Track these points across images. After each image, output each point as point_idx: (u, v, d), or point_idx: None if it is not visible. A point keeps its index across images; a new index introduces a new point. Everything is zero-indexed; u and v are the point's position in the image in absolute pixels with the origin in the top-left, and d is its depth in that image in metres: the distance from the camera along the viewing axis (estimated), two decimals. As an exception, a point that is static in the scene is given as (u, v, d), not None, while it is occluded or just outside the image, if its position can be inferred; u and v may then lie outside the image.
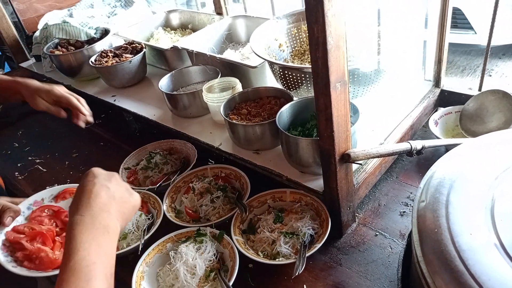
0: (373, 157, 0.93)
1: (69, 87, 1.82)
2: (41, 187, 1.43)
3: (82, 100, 1.30)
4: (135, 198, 0.82)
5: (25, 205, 1.10)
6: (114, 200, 0.75)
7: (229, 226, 1.04)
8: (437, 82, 1.31)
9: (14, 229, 1.04)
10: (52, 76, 1.94)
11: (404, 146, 0.94)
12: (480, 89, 1.34)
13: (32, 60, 2.17)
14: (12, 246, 1.02)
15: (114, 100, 1.61)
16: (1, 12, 2.05)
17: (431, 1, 1.27)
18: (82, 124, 1.30)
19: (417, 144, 0.95)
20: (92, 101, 1.76)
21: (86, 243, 0.66)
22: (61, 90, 1.28)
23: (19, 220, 1.08)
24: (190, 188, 1.18)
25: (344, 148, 0.89)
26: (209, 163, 1.33)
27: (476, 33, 3.61)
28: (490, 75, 3.80)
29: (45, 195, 1.18)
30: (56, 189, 1.22)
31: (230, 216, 1.07)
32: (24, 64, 2.16)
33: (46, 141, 1.71)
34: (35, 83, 1.29)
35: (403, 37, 1.26)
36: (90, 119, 1.30)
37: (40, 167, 1.56)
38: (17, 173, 1.55)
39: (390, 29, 1.29)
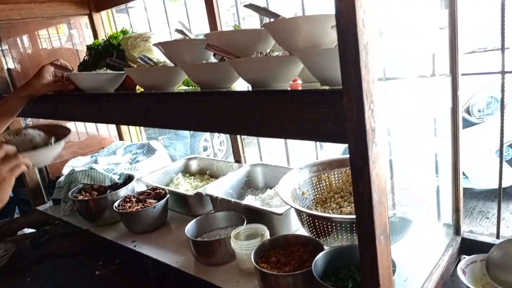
0: (419, 311, 0.91)
1: (86, 231, 1.83)
2: None
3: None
4: None
5: None
6: None
7: None
8: (457, 230, 1.35)
9: None
10: (69, 219, 1.96)
11: (446, 298, 0.94)
12: (498, 235, 1.38)
13: (49, 204, 2.22)
14: None
15: (135, 246, 1.60)
16: (30, 158, 2.18)
17: (440, 151, 1.41)
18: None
19: (458, 297, 0.95)
20: (108, 245, 1.76)
21: None
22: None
23: None
24: None
25: (389, 302, 0.88)
26: (234, 315, 1.27)
27: (467, 177, 3.84)
28: (488, 217, 3.90)
29: None
30: None
31: None
32: (40, 208, 2.20)
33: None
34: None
35: (416, 188, 1.36)
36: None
37: (49, 319, 1.46)
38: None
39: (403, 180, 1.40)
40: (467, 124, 3.59)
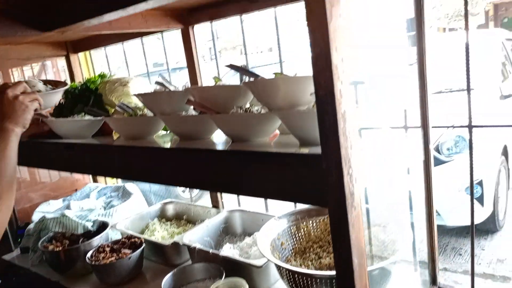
0: None
1: (56, 283, 1.75)
2: None
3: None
4: None
5: None
6: None
7: None
8: (433, 280, 1.37)
9: None
10: (38, 270, 1.87)
11: None
12: (472, 284, 1.41)
13: (16, 252, 2.11)
14: None
15: (108, 300, 1.54)
16: (-3, 203, 2.08)
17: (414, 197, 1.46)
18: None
19: None
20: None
21: None
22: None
23: None
24: None
25: None
26: None
27: (440, 214, 3.94)
28: (461, 254, 3.97)
29: None
30: None
31: None
32: (6, 257, 2.09)
33: None
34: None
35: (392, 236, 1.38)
36: None
37: None
38: None
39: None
40: (437, 162, 3.71)
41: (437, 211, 4.02)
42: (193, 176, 1.06)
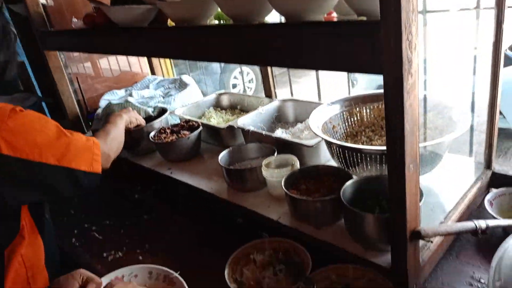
0: (441, 235, 0.96)
1: (125, 160, 1.95)
2: (99, 254, 1.49)
3: None
4: None
5: (106, 280, 1.08)
6: None
7: (293, 301, 1.05)
8: (488, 164, 1.36)
9: None
10: (109, 149, 2.08)
11: (470, 225, 0.98)
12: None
13: (88, 134, 2.35)
14: None
15: (171, 173, 1.71)
16: (69, 91, 2.27)
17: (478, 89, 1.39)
18: None
19: (482, 224, 0.99)
20: (146, 172, 1.87)
21: None
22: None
23: None
24: (250, 260, 1.22)
25: (414, 226, 0.93)
26: (264, 236, 1.37)
27: (505, 117, 3.74)
28: (523, 155, 3.84)
29: (126, 272, 1.20)
30: (136, 268, 1.22)
31: (294, 290, 1.08)
32: (81, 137, 2.33)
33: (100, 208, 1.80)
34: None
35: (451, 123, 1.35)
36: None
37: (96, 234, 1.62)
38: (74, 239, 1.62)
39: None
40: (510, 61, 3.40)
41: (502, 113, 3.80)
42: (247, 52, 1.07)
